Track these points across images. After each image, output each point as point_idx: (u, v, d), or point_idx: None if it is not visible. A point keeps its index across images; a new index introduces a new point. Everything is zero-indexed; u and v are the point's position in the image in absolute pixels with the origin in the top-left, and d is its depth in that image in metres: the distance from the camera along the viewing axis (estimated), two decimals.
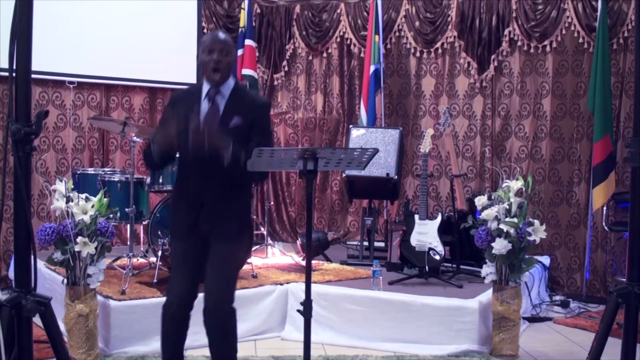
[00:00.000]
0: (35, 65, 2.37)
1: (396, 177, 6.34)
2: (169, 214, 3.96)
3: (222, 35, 3.73)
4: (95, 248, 4.37)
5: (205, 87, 3.69)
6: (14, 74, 2.31)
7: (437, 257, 5.61)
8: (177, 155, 3.79)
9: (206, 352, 4.84)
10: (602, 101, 6.22)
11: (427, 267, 5.58)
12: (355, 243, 7.09)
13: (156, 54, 7.33)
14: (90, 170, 5.99)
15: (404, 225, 5.97)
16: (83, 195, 4.49)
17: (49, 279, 5.40)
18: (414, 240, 5.70)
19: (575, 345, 5.22)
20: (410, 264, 5.85)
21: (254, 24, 7.84)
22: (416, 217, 5.78)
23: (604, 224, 6.56)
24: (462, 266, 6.01)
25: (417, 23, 7.56)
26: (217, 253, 3.67)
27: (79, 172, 5.84)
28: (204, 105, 3.65)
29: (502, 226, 4.74)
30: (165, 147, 3.57)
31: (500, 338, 4.85)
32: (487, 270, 4.89)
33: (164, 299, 4.90)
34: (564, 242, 6.90)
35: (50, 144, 6.90)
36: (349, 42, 7.89)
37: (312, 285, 3.41)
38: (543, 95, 6.98)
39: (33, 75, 2.37)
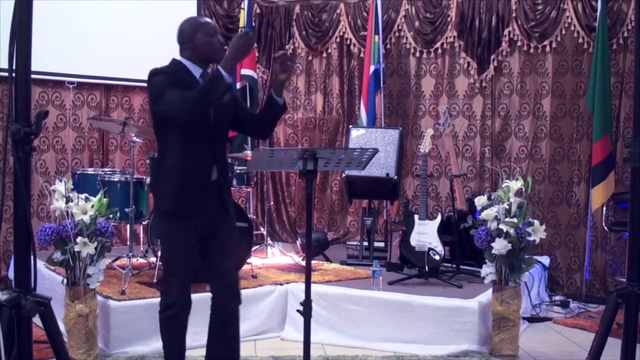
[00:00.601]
0: (35, 66, 2.37)
1: (396, 177, 6.34)
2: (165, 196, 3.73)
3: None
4: (95, 248, 4.37)
5: (195, 69, 3.72)
6: (13, 74, 2.31)
7: (437, 257, 5.61)
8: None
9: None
10: (601, 101, 6.22)
11: (426, 267, 5.58)
12: (355, 243, 7.08)
13: (156, 54, 7.25)
14: (90, 171, 5.99)
15: (404, 225, 5.97)
16: (83, 196, 4.49)
17: (49, 279, 5.40)
18: (414, 240, 5.70)
19: (575, 346, 5.22)
20: (410, 264, 5.85)
21: (253, 24, 7.84)
22: (416, 217, 5.77)
23: (603, 224, 6.56)
24: (461, 266, 6.01)
25: (416, 23, 7.56)
26: (229, 238, 3.77)
27: (78, 172, 5.84)
28: None
29: (501, 226, 4.74)
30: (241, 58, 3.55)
31: (500, 338, 4.85)
32: (487, 271, 4.88)
33: None
34: (563, 242, 6.90)
35: (50, 144, 6.90)
36: (348, 42, 7.89)
37: (312, 285, 3.42)
38: (543, 95, 6.98)
39: (33, 76, 2.37)
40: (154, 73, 3.71)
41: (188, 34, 3.73)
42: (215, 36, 3.69)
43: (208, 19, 3.83)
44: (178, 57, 3.81)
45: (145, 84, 7.33)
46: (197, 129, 3.56)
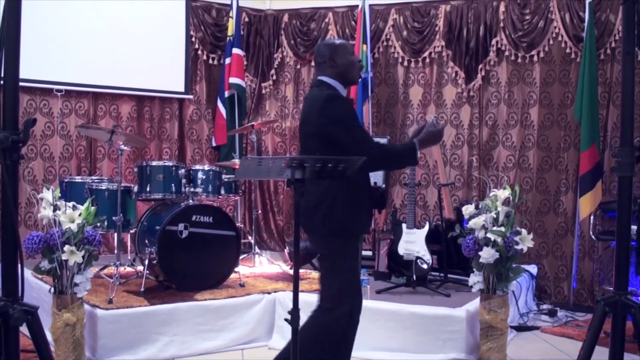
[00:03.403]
0: (23, 73, 2.36)
1: (384, 186, 6.33)
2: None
3: None
4: (83, 257, 4.34)
5: (342, 91, 3.71)
6: (1, 82, 2.30)
7: (425, 266, 5.62)
8: None
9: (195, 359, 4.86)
10: (589, 111, 6.25)
11: (414, 276, 5.59)
12: None
13: (144, 62, 7.32)
14: (78, 179, 5.96)
15: (392, 234, 5.97)
16: (70, 204, 4.46)
17: (36, 288, 5.36)
18: (402, 249, 5.70)
19: (563, 354, 5.23)
20: (397, 273, 5.84)
21: (242, 32, 7.85)
22: (404, 226, 5.78)
23: (591, 233, 6.58)
24: (449, 275, 6.02)
25: (404, 32, 7.58)
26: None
27: (66, 181, 5.82)
28: None
29: (489, 235, 4.74)
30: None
31: (487, 347, 4.85)
32: (475, 279, 4.88)
33: (151, 307, 4.94)
34: (551, 251, 6.92)
35: (37, 152, 6.87)
36: None
37: (300, 294, 3.40)
38: (530, 104, 7.01)
39: (21, 83, 2.36)
40: (337, 97, 3.63)
41: (328, 54, 3.68)
42: (354, 55, 3.74)
43: (344, 40, 3.82)
44: (323, 77, 3.71)
45: (133, 92, 7.29)
46: None
